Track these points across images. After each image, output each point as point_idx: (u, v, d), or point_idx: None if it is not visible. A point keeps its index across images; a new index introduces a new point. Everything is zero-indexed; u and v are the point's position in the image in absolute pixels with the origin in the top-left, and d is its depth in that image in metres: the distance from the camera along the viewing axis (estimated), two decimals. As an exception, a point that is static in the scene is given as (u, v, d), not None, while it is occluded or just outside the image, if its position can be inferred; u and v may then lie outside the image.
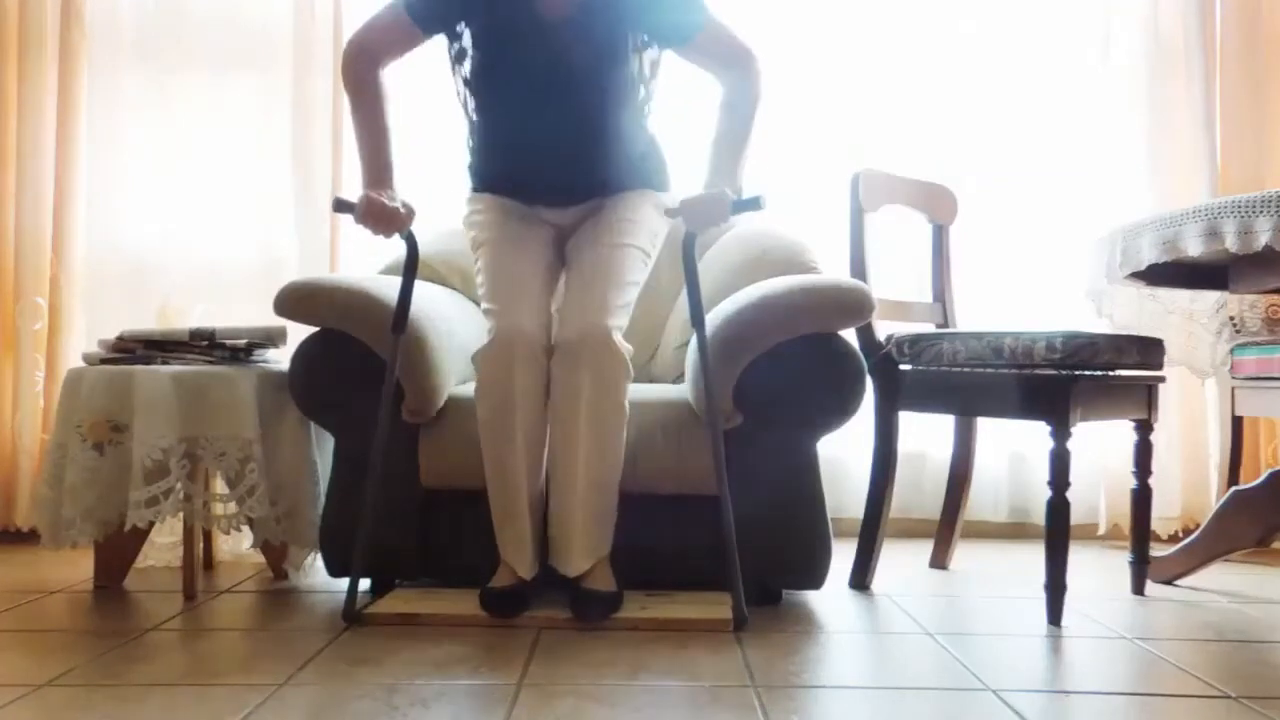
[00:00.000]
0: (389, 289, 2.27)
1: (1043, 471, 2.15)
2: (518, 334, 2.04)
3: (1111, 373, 2.21)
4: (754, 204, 2.07)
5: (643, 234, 2.22)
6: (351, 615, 2.07)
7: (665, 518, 2.25)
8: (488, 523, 2.16)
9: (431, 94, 3.21)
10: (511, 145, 2.22)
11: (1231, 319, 2.70)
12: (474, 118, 2.22)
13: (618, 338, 2.07)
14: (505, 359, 2.04)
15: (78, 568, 2.61)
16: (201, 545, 2.57)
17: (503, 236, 2.21)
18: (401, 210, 2.07)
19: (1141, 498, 2.40)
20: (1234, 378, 2.48)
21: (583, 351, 2.03)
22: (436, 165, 3.18)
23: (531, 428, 2.08)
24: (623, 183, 2.27)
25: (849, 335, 2.30)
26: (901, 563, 2.75)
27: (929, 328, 2.71)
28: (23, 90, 3.04)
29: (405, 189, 3.17)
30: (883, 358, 2.43)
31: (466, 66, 2.16)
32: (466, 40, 2.13)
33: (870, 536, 2.47)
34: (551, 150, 2.19)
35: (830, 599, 2.33)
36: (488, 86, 2.16)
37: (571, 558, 2.09)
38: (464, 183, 2.36)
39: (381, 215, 2.05)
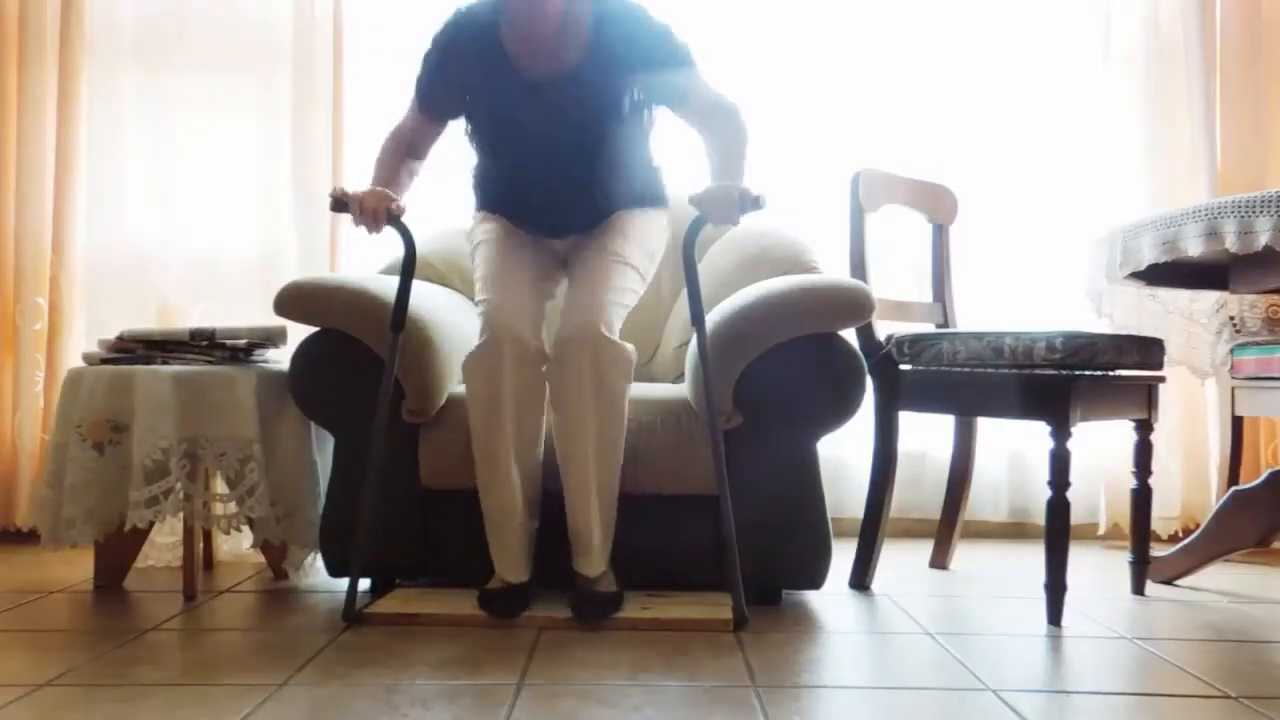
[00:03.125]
0: (389, 289, 2.27)
1: (1043, 471, 2.15)
2: (507, 335, 2.03)
3: (1111, 373, 2.21)
4: (754, 203, 2.07)
5: (638, 252, 2.23)
6: (351, 615, 2.07)
7: (665, 518, 2.25)
8: (488, 523, 2.16)
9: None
10: (513, 188, 2.27)
11: (1231, 319, 2.70)
12: (477, 157, 2.30)
13: (613, 333, 2.07)
14: (495, 361, 2.03)
15: (78, 568, 2.61)
16: (201, 545, 2.57)
17: (502, 237, 2.24)
18: (391, 205, 2.09)
19: (1141, 498, 2.40)
20: (1234, 378, 2.48)
21: (580, 348, 2.02)
22: (437, 165, 3.17)
23: (524, 431, 2.08)
24: (622, 207, 2.28)
25: (849, 335, 2.30)
26: (901, 563, 2.75)
27: (929, 328, 2.71)
28: (23, 91, 3.04)
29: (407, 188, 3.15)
30: (883, 358, 2.43)
31: (470, 126, 2.25)
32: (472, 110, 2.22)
33: (870, 536, 2.47)
34: (552, 194, 2.23)
35: (830, 599, 2.33)
36: (489, 143, 2.23)
37: (592, 559, 2.10)
38: (470, 201, 2.39)
39: (367, 208, 2.07)
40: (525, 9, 2.02)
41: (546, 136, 2.14)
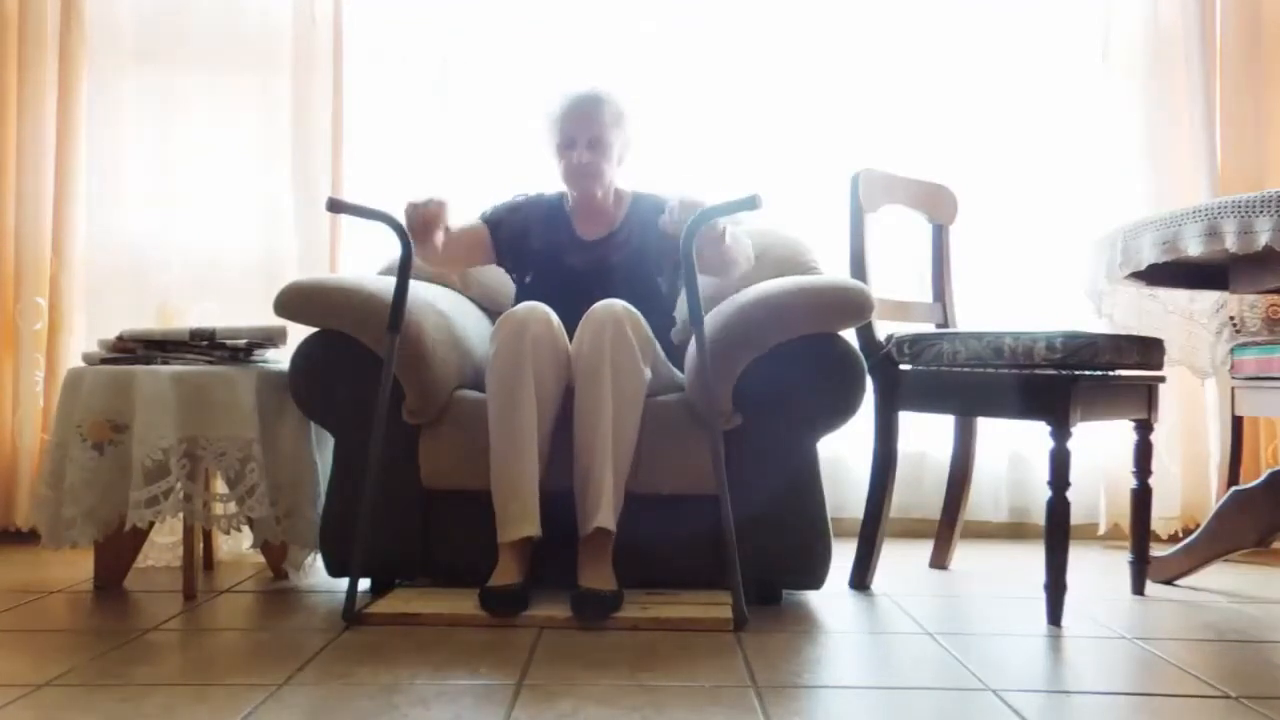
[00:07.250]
0: (389, 289, 2.27)
1: (1043, 471, 2.14)
2: (540, 308, 2.21)
3: (1111, 373, 2.21)
4: (750, 203, 2.07)
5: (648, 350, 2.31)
6: (351, 615, 2.07)
7: (665, 518, 2.25)
8: (488, 522, 2.16)
9: (433, 93, 3.21)
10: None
11: (1231, 319, 2.70)
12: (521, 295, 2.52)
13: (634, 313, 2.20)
14: (527, 314, 2.17)
15: (78, 568, 2.60)
16: (201, 545, 2.57)
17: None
18: (432, 206, 2.21)
19: (1141, 498, 2.40)
20: (1234, 378, 2.48)
21: (607, 308, 2.17)
22: (438, 165, 3.18)
23: (543, 388, 2.15)
24: None
25: (849, 335, 2.30)
26: (901, 563, 2.75)
27: (929, 328, 2.71)
28: (23, 91, 3.04)
29: (407, 186, 3.19)
30: (883, 358, 2.43)
31: (522, 270, 2.55)
32: (522, 259, 2.54)
33: (870, 536, 2.47)
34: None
35: (830, 599, 2.33)
36: (535, 285, 2.48)
37: (600, 509, 2.10)
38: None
39: (414, 221, 2.19)
40: (580, 185, 2.48)
41: (588, 279, 2.43)
